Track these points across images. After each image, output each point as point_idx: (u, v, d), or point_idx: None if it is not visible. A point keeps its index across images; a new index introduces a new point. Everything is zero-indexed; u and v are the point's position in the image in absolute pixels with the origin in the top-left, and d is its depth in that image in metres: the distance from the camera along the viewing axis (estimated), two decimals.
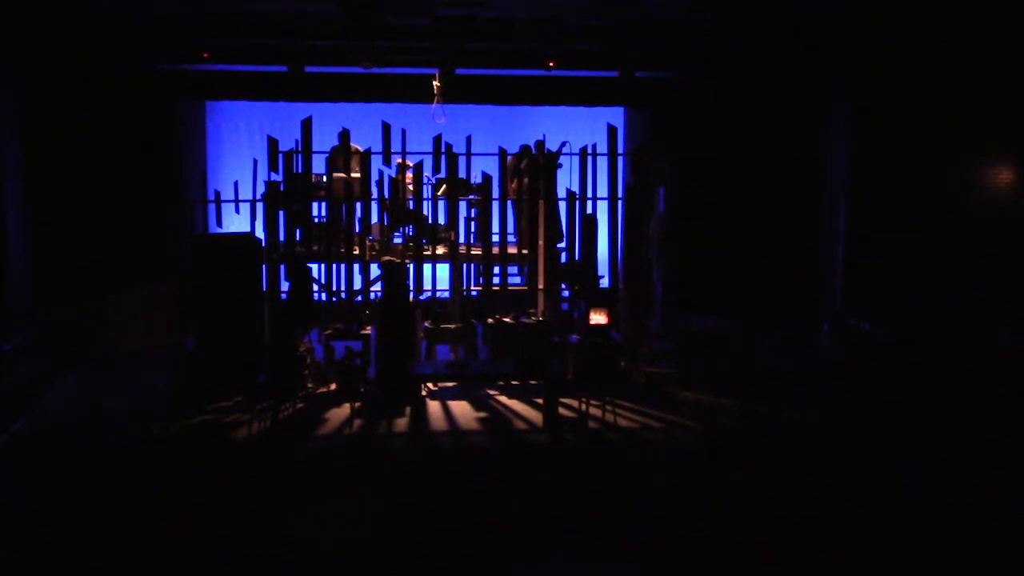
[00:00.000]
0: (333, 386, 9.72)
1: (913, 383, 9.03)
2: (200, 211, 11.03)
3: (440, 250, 11.11)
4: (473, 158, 11.09)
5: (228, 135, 13.67)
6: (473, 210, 11.81)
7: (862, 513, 6.37)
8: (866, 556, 5.72)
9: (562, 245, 11.06)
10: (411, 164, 11.21)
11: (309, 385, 9.67)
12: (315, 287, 10.69)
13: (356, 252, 10.82)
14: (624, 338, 10.26)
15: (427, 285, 11.47)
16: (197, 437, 8.22)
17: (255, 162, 11.16)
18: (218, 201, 11.01)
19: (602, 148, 11.08)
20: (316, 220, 11.09)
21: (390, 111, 11.26)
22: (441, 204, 10.97)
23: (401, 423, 8.62)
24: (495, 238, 10.92)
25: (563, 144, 11.22)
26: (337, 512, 6.45)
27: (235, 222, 11.29)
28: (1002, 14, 9.76)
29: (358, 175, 10.88)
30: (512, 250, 11.17)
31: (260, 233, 10.61)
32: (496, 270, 10.90)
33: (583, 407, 8.90)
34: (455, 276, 10.94)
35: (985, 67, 10.44)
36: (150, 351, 10.41)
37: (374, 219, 11.19)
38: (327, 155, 11.20)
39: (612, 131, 11.03)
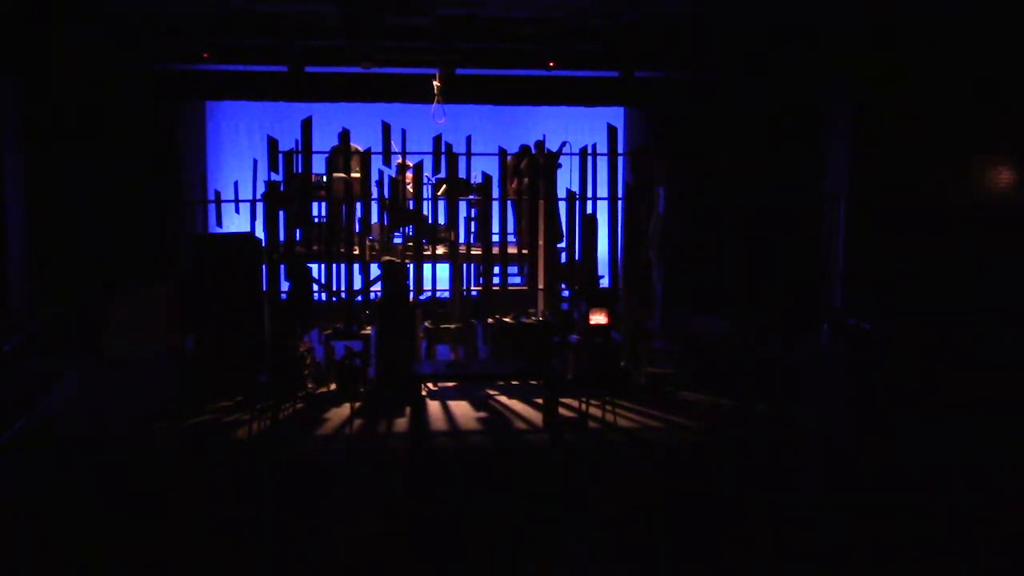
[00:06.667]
0: (333, 386, 9.72)
1: (913, 383, 9.02)
2: (200, 211, 11.03)
3: (440, 250, 11.11)
4: (473, 158, 11.09)
5: (228, 135, 13.66)
6: (473, 210, 11.82)
7: (862, 513, 6.37)
8: (867, 556, 5.72)
9: (562, 245, 11.06)
10: (411, 164, 11.21)
11: (309, 385, 9.66)
12: (315, 287, 10.70)
13: (356, 252, 10.82)
14: (624, 338, 10.26)
15: (427, 285, 11.46)
16: (197, 437, 8.22)
17: (255, 162, 11.16)
18: (218, 201, 11.01)
19: (602, 148, 11.08)
20: (316, 220, 11.09)
21: (390, 111, 11.25)
22: (441, 204, 10.97)
23: (401, 423, 8.62)
24: (495, 238, 10.92)
25: (563, 144, 11.22)
26: (337, 512, 6.44)
27: (235, 222, 11.28)
28: (1001, 13, 9.76)
29: (358, 175, 10.88)
30: (512, 250, 11.17)
31: (260, 233, 10.62)
32: (496, 270, 10.90)
33: (583, 407, 8.90)
34: (455, 276, 10.94)
35: (984, 67, 10.43)
36: (150, 351, 10.40)
37: (374, 219, 11.19)
38: (327, 155, 11.20)
39: (612, 131, 11.03)
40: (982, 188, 10.71)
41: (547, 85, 11.34)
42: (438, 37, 10.24)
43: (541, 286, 11.09)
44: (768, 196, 11.26)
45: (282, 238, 10.67)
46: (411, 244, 10.99)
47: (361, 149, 11.01)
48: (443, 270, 11.67)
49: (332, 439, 8.21)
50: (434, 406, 9.27)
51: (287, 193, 10.67)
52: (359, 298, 10.86)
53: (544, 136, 11.14)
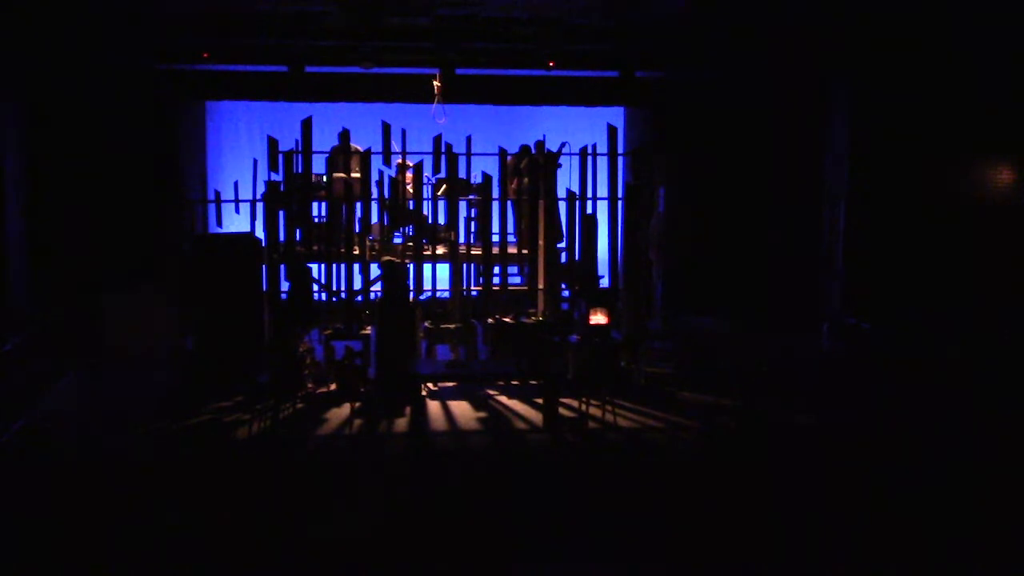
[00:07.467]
0: (333, 386, 9.72)
1: (913, 383, 9.02)
2: (200, 211, 11.04)
3: (440, 250, 11.11)
4: (473, 158, 11.10)
5: (228, 135, 13.67)
6: (473, 210, 11.82)
7: (862, 513, 6.37)
8: (866, 556, 5.72)
9: (562, 245, 11.06)
10: (411, 164, 11.22)
11: (309, 385, 9.66)
12: (315, 287, 10.70)
13: (356, 252, 10.82)
14: (624, 338, 10.26)
15: (427, 285, 11.47)
16: (197, 437, 8.22)
17: (255, 162, 11.16)
18: (218, 201, 11.01)
19: (602, 148, 11.09)
20: (316, 220, 11.10)
21: (390, 111, 11.25)
22: (441, 204, 10.97)
23: (401, 423, 8.62)
24: (495, 238, 10.92)
25: (563, 144, 11.22)
26: (337, 512, 6.45)
27: (235, 222, 11.29)
28: (1001, 13, 9.76)
29: (358, 175, 10.88)
30: (512, 250, 11.18)
31: (260, 233, 10.62)
32: (496, 270, 10.91)
33: (583, 407, 8.90)
34: (455, 276, 10.94)
35: (984, 67, 10.43)
36: (150, 351, 10.40)
37: (374, 219, 11.20)
38: (327, 155, 11.21)
39: (612, 131, 11.03)
40: (982, 188, 10.71)
41: (547, 85, 11.35)
42: (438, 37, 10.24)
43: (541, 286, 11.09)
44: (768, 196, 11.26)
45: (282, 238, 10.67)
46: (411, 244, 11.00)
47: (361, 149, 11.01)
48: (443, 270, 11.68)
49: (332, 439, 8.21)
50: (434, 406, 9.27)
51: (287, 193, 10.68)
52: (359, 298, 10.86)
53: (544, 136, 11.14)
